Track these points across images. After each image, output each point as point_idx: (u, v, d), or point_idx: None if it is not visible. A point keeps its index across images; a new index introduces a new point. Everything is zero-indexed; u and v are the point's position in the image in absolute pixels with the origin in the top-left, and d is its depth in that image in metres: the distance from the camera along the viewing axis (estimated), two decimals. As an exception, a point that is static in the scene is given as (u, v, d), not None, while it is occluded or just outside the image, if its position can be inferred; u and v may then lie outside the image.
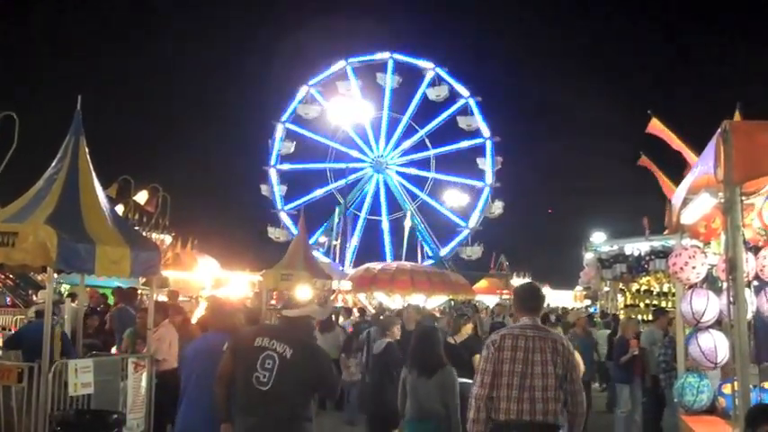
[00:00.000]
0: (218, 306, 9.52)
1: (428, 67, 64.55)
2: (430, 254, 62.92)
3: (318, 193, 65.85)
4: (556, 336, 6.30)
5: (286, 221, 63.96)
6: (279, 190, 64.84)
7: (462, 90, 63.42)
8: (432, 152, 65.72)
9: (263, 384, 5.72)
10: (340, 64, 65.47)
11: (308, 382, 5.85)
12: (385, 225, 65.57)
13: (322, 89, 65.78)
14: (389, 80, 65.56)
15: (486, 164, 62.61)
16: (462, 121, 62.96)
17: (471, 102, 62.99)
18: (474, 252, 63.35)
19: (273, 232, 64.38)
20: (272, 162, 65.01)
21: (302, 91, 65.39)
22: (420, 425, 7.59)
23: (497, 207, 63.33)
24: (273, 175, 64.89)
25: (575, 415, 6.10)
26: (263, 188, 65.29)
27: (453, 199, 63.07)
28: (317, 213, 61.16)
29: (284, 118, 65.35)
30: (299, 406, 5.83)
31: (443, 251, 63.56)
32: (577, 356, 8.72)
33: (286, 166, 65.52)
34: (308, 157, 66.20)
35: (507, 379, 6.01)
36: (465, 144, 64.19)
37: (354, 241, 62.52)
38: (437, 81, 64.23)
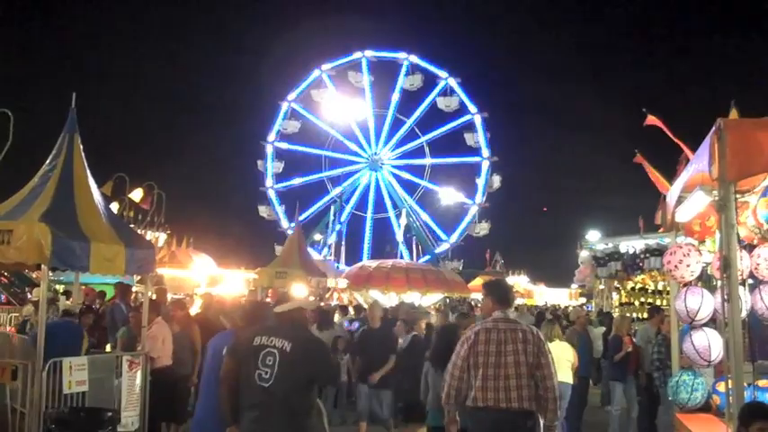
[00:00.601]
0: (257, 305, 9.43)
1: (442, 77, 64.58)
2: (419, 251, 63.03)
3: (311, 178, 66.21)
4: (525, 326, 6.81)
5: (272, 200, 64.22)
6: (273, 167, 64.96)
7: (471, 106, 63.39)
8: (429, 161, 65.92)
9: (264, 381, 5.82)
10: (356, 54, 65.66)
11: (309, 374, 5.96)
12: (369, 222, 65.85)
13: (334, 76, 65.96)
14: (402, 80, 65.55)
15: (480, 183, 62.81)
16: (470, 138, 62.91)
17: (477, 118, 62.90)
18: (482, 228, 63.53)
19: (264, 210, 64.74)
20: (271, 138, 65.06)
21: (314, 74, 65.54)
22: (441, 414, 7.60)
23: (483, 228, 63.51)
24: (270, 151, 64.95)
25: (546, 399, 6.54)
26: (260, 163, 65.45)
27: (445, 198, 63.09)
28: (307, 199, 61.27)
29: (291, 96, 65.49)
30: (300, 399, 5.92)
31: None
32: (570, 351, 8.96)
33: (284, 145, 65.63)
34: (307, 141, 66.54)
35: (483, 370, 6.57)
36: (463, 160, 64.47)
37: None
38: (449, 91, 64.19)
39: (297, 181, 64.93)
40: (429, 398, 8.94)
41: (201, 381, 7.71)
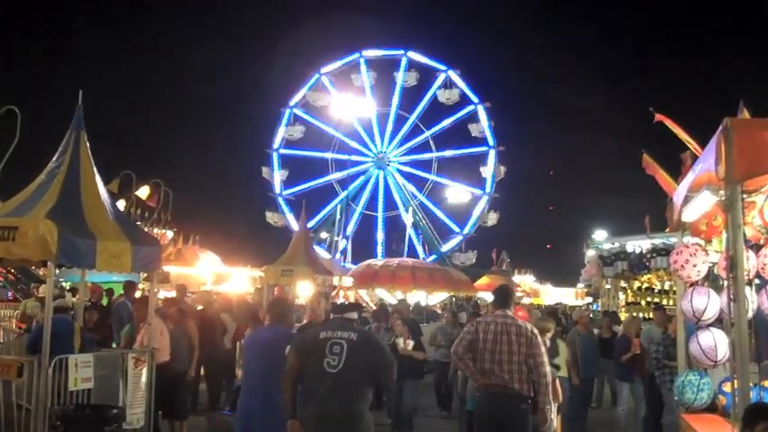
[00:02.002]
0: (280, 301, 10.95)
1: (441, 69, 64.60)
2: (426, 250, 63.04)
3: (319, 182, 66.14)
4: (521, 323, 8.07)
5: (282, 206, 64.23)
6: (279, 174, 65.00)
7: (472, 96, 63.41)
8: (435, 154, 65.76)
9: (333, 367, 6.60)
10: (354, 55, 65.75)
11: (370, 360, 6.78)
12: (380, 221, 65.80)
13: (334, 79, 65.97)
14: (401, 77, 65.54)
15: (488, 172, 62.72)
16: (474, 129, 62.94)
17: (480, 108, 62.92)
18: (490, 218, 63.62)
19: (272, 217, 64.82)
20: (276, 146, 65.09)
21: (313, 78, 65.67)
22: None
23: (492, 218, 63.56)
24: (275, 158, 64.99)
25: (539, 384, 7.82)
26: (264, 170, 65.48)
27: (454, 197, 63.12)
28: (316, 203, 61.25)
29: (293, 102, 65.52)
30: (363, 381, 6.73)
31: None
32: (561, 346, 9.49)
33: (289, 151, 65.64)
34: (311, 145, 66.53)
35: (481, 354, 7.91)
36: (469, 151, 64.43)
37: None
38: (449, 84, 64.22)
39: (304, 186, 64.76)
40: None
41: (244, 374, 8.31)
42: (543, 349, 7.99)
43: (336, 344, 6.69)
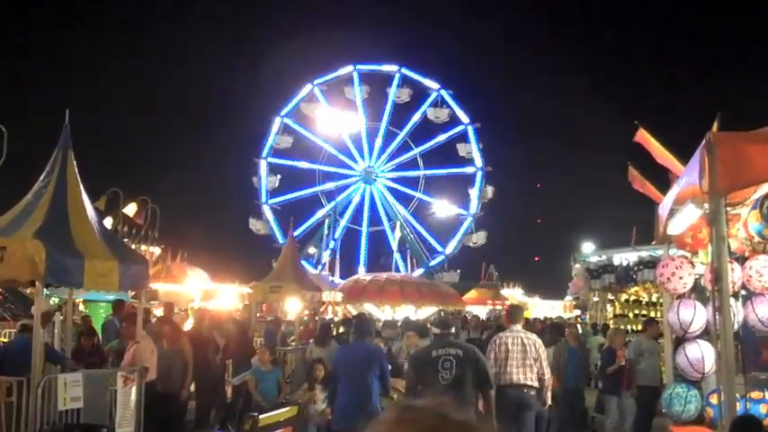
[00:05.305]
0: (363, 320, 12.40)
1: (433, 88, 64.67)
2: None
3: (305, 192, 65.97)
4: (531, 335, 11.06)
5: (267, 215, 63.99)
6: (267, 182, 64.75)
7: (463, 116, 63.53)
8: (422, 172, 65.82)
9: (445, 380, 8.36)
10: (347, 68, 65.70)
11: (473, 371, 8.53)
12: (364, 236, 65.71)
13: (326, 90, 65.98)
14: (394, 92, 65.53)
15: (474, 194, 62.90)
16: (462, 149, 63.02)
17: (470, 129, 63.03)
18: (479, 238, 63.74)
19: (255, 224, 64.51)
20: (264, 154, 65.05)
21: (306, 89, 65.50)
22: None
23: (480, 237, 63.75)
24: (263, 166, 64.87)
25: (542, 380, 10.66)
26: (254, 179, 65.25)
27: (440, 210, 63.22)
28: (301, 214, 61.12)
29: (284, 112, 65.39)
30: (470, 390, 8.48)
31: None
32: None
33: (277, 160, 65.56)
34: (300, 155, 66.32)
35: (508, 360, 10.49)
36: (456, 170, 64.57)
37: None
38: (440, 103, 64.33)
39: (291, 196, 64.67)
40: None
41: (342, 384, 9.34)
42: (545, 354, 10.98)
43: (447, 360, 8.47)
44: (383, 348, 13.07)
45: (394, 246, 57.44)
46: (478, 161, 62.73)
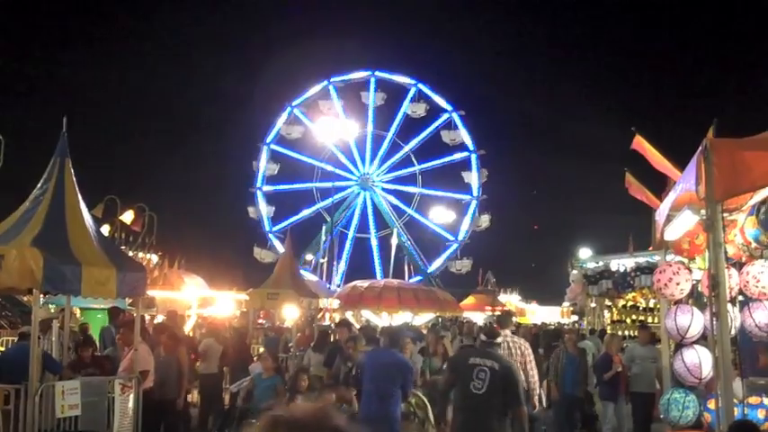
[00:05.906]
0: (394, 329, 12.94)
1: (410, 84, 64.83)
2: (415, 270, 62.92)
3: (306, 213, 65.61)
4: (518, 339, 12.03)
5: (274, 243, 63.56)
6: (266, 211, 64.63)
7: (445, 105, 63.78)
8: (417, 168, 65.79)
9: (478, 389, 8.33)
10: (322, 84, 65.56)
11: (508, 391, 8.40)
12: (374, 242, 65.57)
13: (305, 109, 65.68)
14: (372, 97, 65.53)
15: (472, 177, 63.04)
16: (446, 136, 63.33)
17: (455, 116, 63.36)
18: (464, 266, 63.68)
19: (259, 253, 64.01)
20: (258, 184, 64.93)
21: (285, 112, 65.46)
22: None
23: (484, 220, 63.86)
24: (260, 196, 64.75)
25: (529, 382, 11.25)
26: (251, 210, 65.07)
27: (440, 214, 63.21)
28: (305, 233, 60.90)
29: (269, 139, 65.21)
30: (500, 403, 8.36)
31: (433, 266, 63.69)
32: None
33: (272, 188, 65.43)
34: (294, 177, 66.12)
35: None
36: (450, 158, 64.59)
37: (343, 262, 62.38)
38: (417, 97, 64.51)
39: (293, 219, 63.95)
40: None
41: (366, 386, 9.67)
42: (532, 357, 11.77)
43: (482, 371, 8.38)
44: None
45: (392, 253, 57.44)
46: (470, 145, 63.07)
